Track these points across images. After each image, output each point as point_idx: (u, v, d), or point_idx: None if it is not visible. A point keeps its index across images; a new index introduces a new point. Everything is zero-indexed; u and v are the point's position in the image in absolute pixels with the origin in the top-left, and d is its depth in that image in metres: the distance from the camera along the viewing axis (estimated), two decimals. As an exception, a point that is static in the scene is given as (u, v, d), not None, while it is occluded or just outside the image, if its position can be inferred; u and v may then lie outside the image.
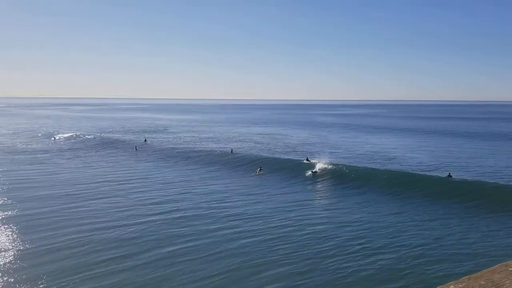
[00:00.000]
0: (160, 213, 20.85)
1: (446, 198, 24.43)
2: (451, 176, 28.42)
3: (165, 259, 15.01)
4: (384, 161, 38.17)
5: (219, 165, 36.15)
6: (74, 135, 59.13)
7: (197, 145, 50.35)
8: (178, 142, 54.88)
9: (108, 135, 61.95)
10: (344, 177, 30.30)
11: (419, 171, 31.71)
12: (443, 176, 28.77)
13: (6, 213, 20.51)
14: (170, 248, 16.01)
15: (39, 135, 61.81)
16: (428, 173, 30.56)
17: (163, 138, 60.04)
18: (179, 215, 20.61)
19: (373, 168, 32.29)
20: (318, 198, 25.84)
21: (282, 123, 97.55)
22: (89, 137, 57.63)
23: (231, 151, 42.03)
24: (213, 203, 22.89)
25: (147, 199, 23.92)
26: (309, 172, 31.97)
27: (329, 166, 32.67)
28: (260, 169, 33.50)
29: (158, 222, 19.28)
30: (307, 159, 35.88)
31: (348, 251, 15.93)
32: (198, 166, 35.93)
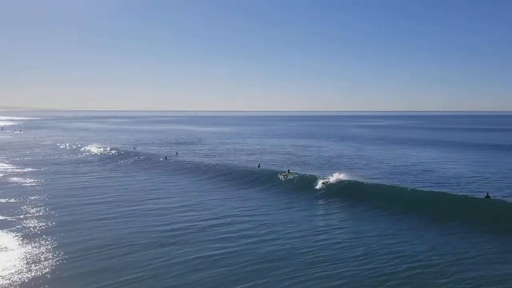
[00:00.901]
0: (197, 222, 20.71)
1: (486, 226, 20.96)
2: (489, 197, 26.02)
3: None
4: (413, 177, 35.69)
5: (246, 180, 35.28)
6: (108, 148, 60.19)
7: (228, 158, 50.08)
8: (208, 154, 54.98)
9: (142, 147, 62.86)
10: (364, 196, 27.85)
11: (453, 191, 28.92)
12: (480, 197, 26.24)
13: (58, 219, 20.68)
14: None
15: (78, 146, 63.25)
16: (462, 193, 27.83)
17: (195, 150, 60.36)
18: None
19: (401, 187, 29.68)
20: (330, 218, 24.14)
21: (313, 135, 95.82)
22: (123, 149, 58.52)
23: (258, 166, 41.19)
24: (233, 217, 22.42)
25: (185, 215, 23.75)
26: (320, 184, 30.91)
27: (346, 181, 30.40)
28: (289, 172, 34.85)
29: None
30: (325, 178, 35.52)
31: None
32: (227, 180, 35.27)
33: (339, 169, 36.18)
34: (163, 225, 21.62)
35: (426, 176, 36.65)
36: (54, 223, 21.95)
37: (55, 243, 18.62)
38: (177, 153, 54.08)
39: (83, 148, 60.40)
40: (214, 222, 22.13)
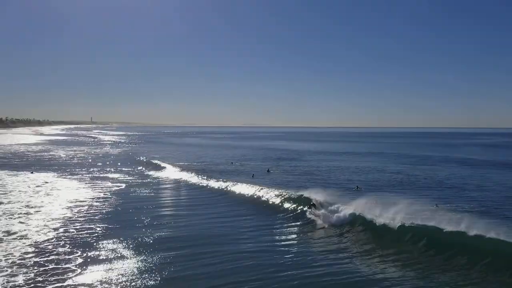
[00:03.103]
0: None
1: None
2: None
3: None
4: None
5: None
6: (207, 162, 62.05)
7: (322, 176, 47.50)
8: (301, 172, 52.55)
9: (240, 163, 63.66)
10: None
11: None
12: None
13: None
14: None
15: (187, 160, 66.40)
16: None
17: (288, 167, 58.37)
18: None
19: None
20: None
21: (420, 156, 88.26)
22: (221, 165, 59.90)
23: (356, 188, 38.51)
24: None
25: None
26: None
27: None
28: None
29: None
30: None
31: None
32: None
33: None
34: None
35: None
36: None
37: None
38: (268, 170, 52.66)
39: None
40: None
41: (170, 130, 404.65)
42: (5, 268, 17.82)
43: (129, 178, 48.21)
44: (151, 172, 52.51)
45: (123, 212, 29.89)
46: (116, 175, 50.30)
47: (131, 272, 17.63)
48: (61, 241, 22.09)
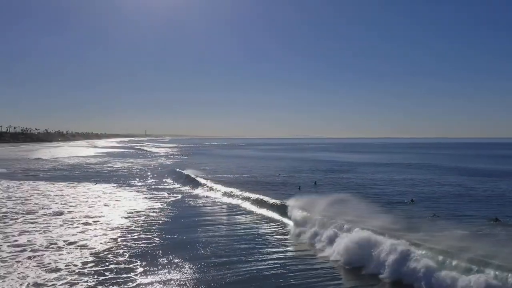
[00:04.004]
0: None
1: None
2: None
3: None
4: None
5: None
6: (257, 174, 62.37)
7: (373, 190, 46.15)
8: (347, 184, 50.98)
9: (287, 174, 63.52)
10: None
11: None
12: None
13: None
14: None
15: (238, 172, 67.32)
16: None
17: (337, 179, 56.99)
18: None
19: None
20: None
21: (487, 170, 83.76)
22: (269, 176, 60.04)
23: (411, 200, 37.18)
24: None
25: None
26: None
27: None
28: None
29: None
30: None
31: None
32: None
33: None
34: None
35: None
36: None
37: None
38: (315, 183, 51.13)
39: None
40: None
41: (218, 142, 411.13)
42: (66, 277, 18.72)
43: (183, 188, 49.62)
44: (203, 183, 53.55)
45: (179, 223, 30.80)
46: (171, 186, 51.89)
47: (189, 285, 18.02)
48: (120, 250, 23.13)
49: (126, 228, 28.36)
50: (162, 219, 31.95)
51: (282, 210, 33.15)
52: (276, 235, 27.26)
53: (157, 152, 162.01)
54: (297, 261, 21.41)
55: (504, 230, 25.23)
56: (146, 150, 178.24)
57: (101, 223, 29.94)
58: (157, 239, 25.64)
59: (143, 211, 34.81)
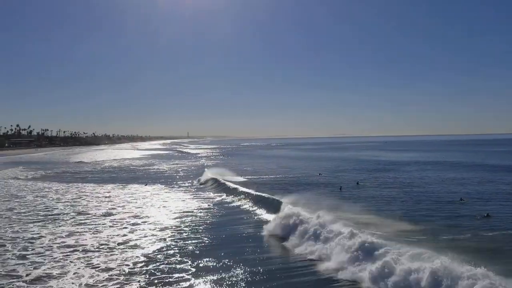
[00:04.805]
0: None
1: None
2: None
3: None
4: None
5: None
6: (299, 175, 62.11)
7: (418, 188, 44.25)
8: (391, 184, 49.29)
9: (328, 174, 62.85)
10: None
11: None
12: None
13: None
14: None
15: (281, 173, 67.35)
16: None
17: (381, 178, 55.39)
18: None
19: None
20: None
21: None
22: (311, 176, 59.67)
23: (460, 199, 35.68)
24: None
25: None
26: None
27: None
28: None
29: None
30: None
31: None
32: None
33: None
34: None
35: None
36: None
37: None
38: (357, 183, 49.87)
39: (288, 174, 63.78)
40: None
41: (257, 142, 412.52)
42: (119, 276, 19.16)
43: (226, 188, 50.08)
44: (244, 182, 53.81)
45: (226, 222, 31.25)
46: (215, 187, 52.60)
47: (240, 285, 18.12)
48: (170, 250, 23.60)
49: (175, 228, 28.92)
50: (210, 219, 32.40)
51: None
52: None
53: (199, 153, 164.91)
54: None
55: None
56: (188, 152, 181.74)
57: (150, 224, 30.68)
58: (205, 238, 25.98)
59: (190, 212, 35.45)
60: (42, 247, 24.11)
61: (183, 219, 32.35)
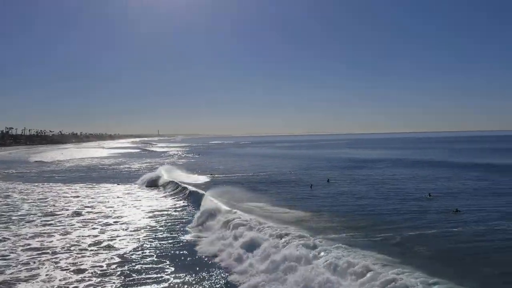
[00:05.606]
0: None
1: None
2: None
3: None
4: None
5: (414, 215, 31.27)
6: (271, 172, 62.26)
7: (388, 185, 45.06)
8: (360, 181, 49.83)
9: (301, 172, 63.21)
10: None
11: None
12: None
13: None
14: None
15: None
16: None
17: (351, 176, 55.92)
18: None
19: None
20: None
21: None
22: (278, 175, 59.87)
23: (429, 195, 36.78)
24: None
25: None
26: None
27: None
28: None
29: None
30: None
31: None
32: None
33: None
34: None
35: None
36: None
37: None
38: (328, 180, 50.35)
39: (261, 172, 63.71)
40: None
41: (229, 140, 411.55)
42: (92, 278, 18.71)
43: (202, 185, 49.54)
44: (222, 180, 53.45)
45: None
46: (186, 185, 51.83)
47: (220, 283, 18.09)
48: (146, 250, 23.21)
49: (150, 228, 28.51)
50: (186, 217, 32.10)
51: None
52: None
53: (168, 152, 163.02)
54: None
55: None
56: (158, 151, 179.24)
57: (123, 223, 30.12)
58: (183, 237, 25.73)
59: (165, 210, 34.98)
60: (5, 250, 23.14)
61: (158, 218, 31.91)
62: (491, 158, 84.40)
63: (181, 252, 22.61)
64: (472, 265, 17.90)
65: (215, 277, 18.79)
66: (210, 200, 32.47)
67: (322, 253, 18.51)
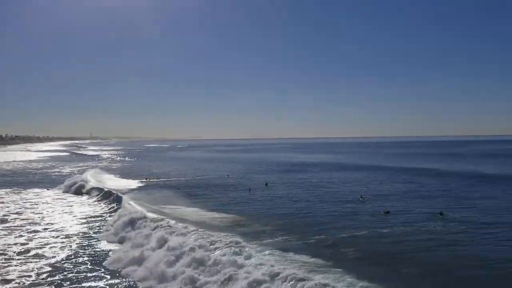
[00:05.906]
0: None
1: None
2: None
3: None
4: None
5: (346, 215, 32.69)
6: (209, 176, 61.90)
7: (324, 189, 46.87)
8: (299, 184, 51.28)
9: (240, 176, 63.49)
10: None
11: None
12: None
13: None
14: None
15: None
16: None
17: (289, 179, 57.20)
18: None
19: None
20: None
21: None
22: (220, 178, 59.76)
23: (360, 197, 38.69)
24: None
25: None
26: None
27: None
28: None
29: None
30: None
31: None
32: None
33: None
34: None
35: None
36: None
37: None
38: (266, 184, 51.16)
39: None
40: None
41: (167, 144, 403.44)
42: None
43: (135, 190, 48.14)
44: (157, 184, 52.31)
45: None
46: (123, 188, 50.20)
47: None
48: (79, 257, 22.20)
49: (82, 235, 27.23)
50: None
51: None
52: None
53: (101, 155, 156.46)
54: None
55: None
56: (91, 154, 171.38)
57: (53, 231, 28.49)
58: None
59: (99, 216, 33.58)
60: None
61: (91, 224, 30.57)
62: (420, 163, 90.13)
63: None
64: (399, 265, 19.15)
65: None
66: (132, 206, 31.82)
67: (252, 260, 18.78)
